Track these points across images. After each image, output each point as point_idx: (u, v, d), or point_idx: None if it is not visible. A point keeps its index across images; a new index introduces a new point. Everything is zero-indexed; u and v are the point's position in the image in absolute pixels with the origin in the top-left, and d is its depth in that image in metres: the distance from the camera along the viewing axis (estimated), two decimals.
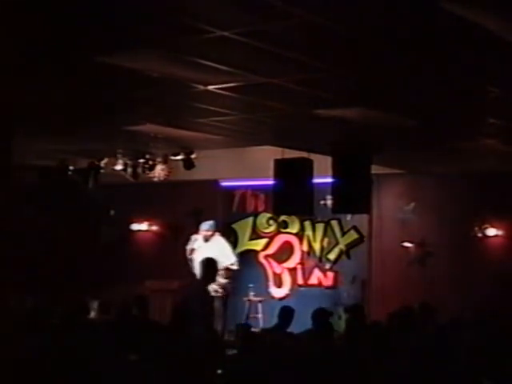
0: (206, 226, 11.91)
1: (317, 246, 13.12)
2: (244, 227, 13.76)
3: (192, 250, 11.75)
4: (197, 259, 11.54)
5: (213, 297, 11.19)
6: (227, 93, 7.38)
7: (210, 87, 7.18)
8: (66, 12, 5.14)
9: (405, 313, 8.10)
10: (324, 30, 5.30)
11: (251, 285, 13.05)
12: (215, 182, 13.74)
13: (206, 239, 11.82)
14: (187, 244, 11.86)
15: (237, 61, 6.28)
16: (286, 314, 8.92)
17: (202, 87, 7.18)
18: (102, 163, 12.28)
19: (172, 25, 5.36)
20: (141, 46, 5.93)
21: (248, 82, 6.89)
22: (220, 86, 7.15)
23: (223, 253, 11.71)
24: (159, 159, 11.87)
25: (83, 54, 6.17)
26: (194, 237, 11.89)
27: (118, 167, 12.09)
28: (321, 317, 8.32)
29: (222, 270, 11.46)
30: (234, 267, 11.82)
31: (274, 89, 7.13)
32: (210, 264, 11.03)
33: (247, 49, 5.79)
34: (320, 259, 13.07)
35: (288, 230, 13.41)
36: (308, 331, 8.18)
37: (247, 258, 13.59)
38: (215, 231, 11.98)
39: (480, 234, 11.81)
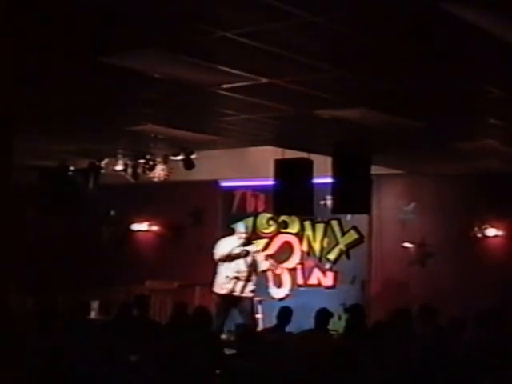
0: (241, 227, 11.98)
1: (317, 246, 13.11)
2: None
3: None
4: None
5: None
6: (228, 93, 7.39)
7: (211, 88, 7.18)
8: (67, 12, 5.14)
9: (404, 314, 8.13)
10: (324, 30, 5.30)
11: None
12: (215, 183, 13.73)
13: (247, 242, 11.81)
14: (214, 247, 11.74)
15: (238, 62, 6.29)
16: (284, 313, 8.97)
17: (203, 88, 7.19)
18: (103, 164, 12.29)
19: (173, 25, 5.36)
20: (142, 47, 5.94)
21: (249, 82, 6.89)
22: (221, 87, 7.15)
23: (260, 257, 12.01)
24: (159, 159, 11.86)
25: (84, 55, 6.18)
26: (227, 239, 11.86)
27: (119, 167, 12.09)
28: (323, 317, 8.36)
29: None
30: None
31: (274, 89, 7.13)
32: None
33: (248, 49, 5.79)
34: (320, 259, 13.06)
35: (288, 230, 13.39)
36: (308, 331, 8.20)
37: None
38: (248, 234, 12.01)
39: (480, 235, 11.81)
